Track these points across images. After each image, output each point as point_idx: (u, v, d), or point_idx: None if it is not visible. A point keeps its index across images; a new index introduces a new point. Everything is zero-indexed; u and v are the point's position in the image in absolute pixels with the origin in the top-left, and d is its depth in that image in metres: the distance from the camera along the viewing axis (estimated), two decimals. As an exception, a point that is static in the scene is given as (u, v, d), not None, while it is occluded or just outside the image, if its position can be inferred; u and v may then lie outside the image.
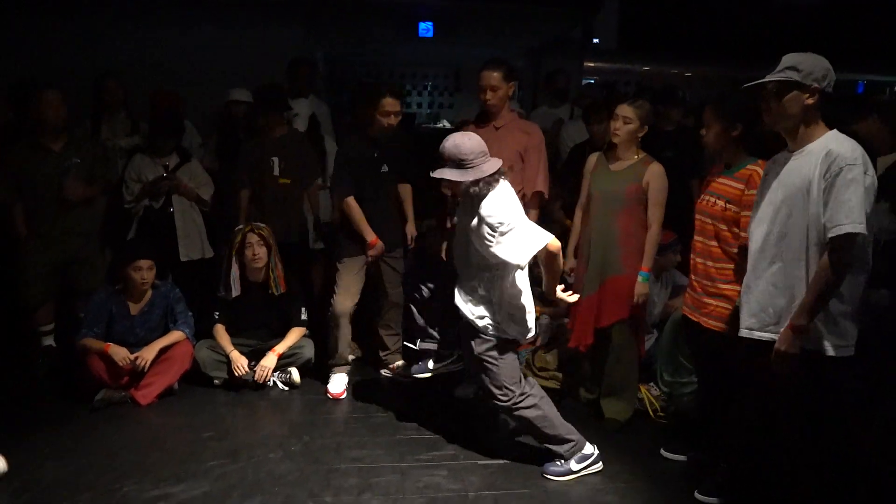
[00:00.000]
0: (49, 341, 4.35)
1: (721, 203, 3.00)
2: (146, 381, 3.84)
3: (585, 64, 7.45)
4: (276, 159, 4.36)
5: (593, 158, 3.69)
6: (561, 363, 4.17)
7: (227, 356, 4.01)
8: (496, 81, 3.70)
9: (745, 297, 2.69)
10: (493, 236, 2.90)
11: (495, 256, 2.93)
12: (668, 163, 3.57)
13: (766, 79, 2.51)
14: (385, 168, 3.97)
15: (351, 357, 4.26)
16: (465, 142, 2.99)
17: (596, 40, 7.73)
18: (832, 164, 2.39)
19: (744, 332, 2.67)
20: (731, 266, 2.98)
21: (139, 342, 3.92)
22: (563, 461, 3.22)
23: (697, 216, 3.13)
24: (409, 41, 7.28)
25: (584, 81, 7.48)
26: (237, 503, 2.94)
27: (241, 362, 3.98)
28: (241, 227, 4.12)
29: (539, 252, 2.95)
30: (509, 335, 3.11)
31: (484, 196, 2.94)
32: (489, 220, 2.90)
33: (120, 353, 3.77)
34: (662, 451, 3.42)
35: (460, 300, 3.19)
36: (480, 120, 3.86)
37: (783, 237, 2.53)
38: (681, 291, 3.84)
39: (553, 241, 2.94)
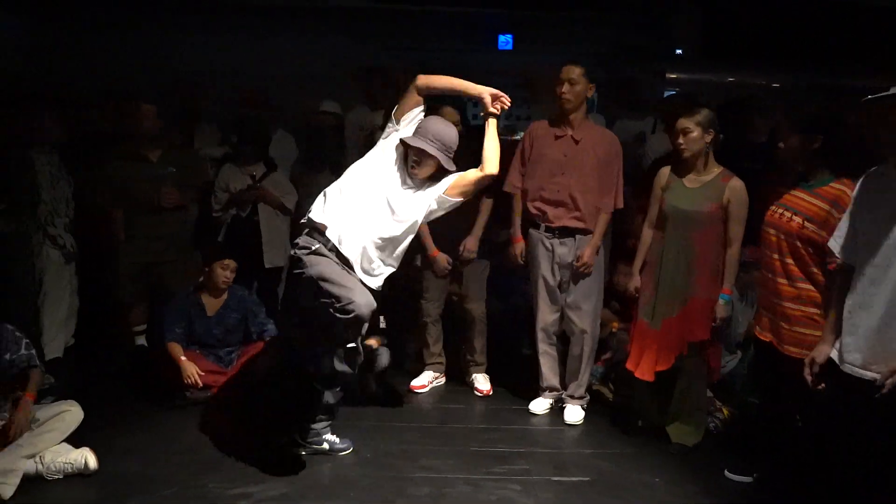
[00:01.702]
0: (141, 341, 4.56)
1: (798, 220, 2.85)
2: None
3: (667, 75, 7.29)
4: None
5: (665, 173, 3.56)
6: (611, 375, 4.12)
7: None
8: (576, 75, 3.66)
9: (847, 327, 2.40)
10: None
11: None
12: (755, 175, 3.45)
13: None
14: None
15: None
16: (455, 133, 3.20)
17: (679, 51, 7.56)
18: None
19: (846, 368, 2.40)
20: (812, 288, 2.83)
21: (217, 343, 4.07)
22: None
23: (769, 229, 2.97)
24: (486, 52, 7.30)
25: (666, 93, 7.31)
26: (312, 505, 3.01)
27: None
28: None
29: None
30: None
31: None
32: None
33: (189, 370, 3.89)
34: (727, 473, 3.30)
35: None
36: (556, 126, 3.79)
37: None
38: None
39: None
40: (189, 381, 3.86)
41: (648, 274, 3.58)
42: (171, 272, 4.43)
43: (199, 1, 6.26)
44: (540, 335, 3.95)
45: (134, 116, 4.23)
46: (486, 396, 4.21)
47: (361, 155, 3.31)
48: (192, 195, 4.52)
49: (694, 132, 3.33)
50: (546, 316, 3.91)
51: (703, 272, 3.41)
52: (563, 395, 3.98)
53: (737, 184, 3.35)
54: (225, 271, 4.04)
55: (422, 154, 3.11)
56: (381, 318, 4.29)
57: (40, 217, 4.06)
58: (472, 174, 3.20)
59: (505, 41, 7.00)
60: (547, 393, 4.00)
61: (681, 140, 3.36)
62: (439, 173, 3.21)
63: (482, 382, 4.27)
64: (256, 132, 4.65)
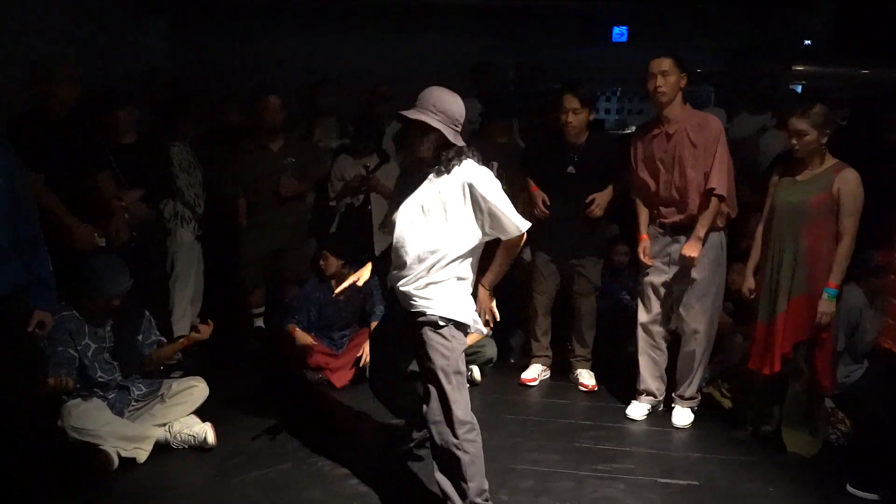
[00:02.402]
0: (259, 323, 4.81)
1: None
2: (339, 364, 4.13)
3: (794, 67, 6.92)
4: (495, 163, 4.54)
5: (779, 170, 3.43)
6: (725, 379, 3.96)
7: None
8: (667, 66, 3.51)
9: None
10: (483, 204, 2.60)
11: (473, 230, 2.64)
12: (893, 177, 3.23)
13: None
14: (571, 170, 3.95)
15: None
16: (460, 101, 2.65)
17: (807, 42, 7.15)
18: None
19: None
20: None
21: (337, 323, 4.25)
22: None
23: None
24: (600, 46, 7.18)
25: (793, 86, 6.94)
26: (419, 491, 3.08)
27: None
28: None
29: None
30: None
31: (452, 167, 2.61)
32: (480, 187, 2.58)
33: (304, 340, 4.14)
34: (849, 488, 3.12)
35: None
36: (651, 126, 3.68)
37: None
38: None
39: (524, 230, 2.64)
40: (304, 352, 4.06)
41: (760, 273, 3.46)
42: (292, 259, 4.65)
43: (320, 4, 6.52)
44: (641, 334, 3.85)
45: (260, 109, 4.46)
46: (591, 392, 4.17)
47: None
48: (310, 185, 4.72)
49: (809, 134, 3.17)
50: (649, 314, 3.81)
51: (813, 268, 3.25)
52: (666, 398, 3.88)
53: (849, 174, 3.17)
54: (326, 262, 4.19)
55: (423, 128, 2.59)
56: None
57: (176, 204, 4.40)
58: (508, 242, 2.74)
59: (619, 33, 6.86)
60: (644, 397, 3.89)
61: (795, 142, 3.21)
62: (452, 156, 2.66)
63: (587, 378, 4.23)
64: (372, 125, 4.80)
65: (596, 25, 6.82)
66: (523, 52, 7.14)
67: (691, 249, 3.56)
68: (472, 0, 6.46)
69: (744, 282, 3.56)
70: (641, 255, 3.80)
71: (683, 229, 3.64)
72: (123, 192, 3.89)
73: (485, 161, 2.74)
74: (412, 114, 2.60)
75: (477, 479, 2.68)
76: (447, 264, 2.65)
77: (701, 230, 3.55)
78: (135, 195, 3.95)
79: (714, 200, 3.52)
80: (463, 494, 2.66)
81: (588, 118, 3.91)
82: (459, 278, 2.69)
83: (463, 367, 2.71)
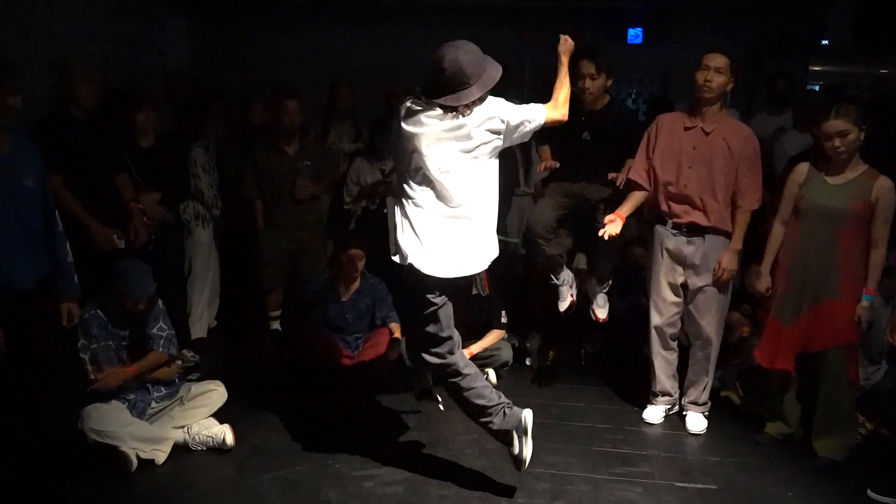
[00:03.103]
0: (276, 325, 4.83)
1: None
2: (355, 365, 4.14)
3: (811, 67, 6.84)
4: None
5: (803, 169, 3.38)
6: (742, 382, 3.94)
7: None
8: (722, 64, 3.42)
9: None
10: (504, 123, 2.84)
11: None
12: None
13: None
14: (586, 136, 3.83)
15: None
16: (472, 48, 2.78)
17: (825, 41, 7.07)
18: None
19: None
20: None
21: (349, 328, 4.24)
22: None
23: None
24: (615, 46, 7.14)
25: (810, 86, 6.87)
26: (435, 491, 3.09)
27: None
28: None
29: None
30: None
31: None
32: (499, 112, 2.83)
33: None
34: (870, 492, 3.10)
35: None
36: (688, 117, 3.58)
37: None
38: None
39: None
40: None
41: (781, 272, 3.43)
42: (311, 260, 4.67)
43: (337, 4, 6.54)
44: (654, 336, 3.80)
45: (277, 111, 4.48)
46: (606, 394, 4.13)
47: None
48: (326, 187, 4.74)
49: (851, 133, 3.15)
50: (662, 317, 3.76)
51: (846, 273, 3.24)
52: (682, 403, 3.85)
53: (886, 183, 3.19)
54: (352, 260, 4.21)
55: (470, 103, 2.77)
56: (503, 312, 4.32)
57: (196, 205, 4.43)
58: (539, 111, 2.93)
59: (635, 35, 6.82)
60: (660, 398, 3.86)
61: (837, 143, 3.17)
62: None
63: (601, 304, 4.14)
64: (388, 128, 4.80)
65: (611, 27, 6.78)
66: (538, 51, 7.13)
67: (731, 262, 3.53)
68: (491, 1, 6.46)
69: (760, 280, 3.52)
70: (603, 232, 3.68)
71: (700, 231, 3.58)
72: (142, 194, 3.94)
73: None
74: (463, 98, 2.74)
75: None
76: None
77: (739, 242, 3.54)
78: (153, 197, 3.99)
79: (748, 214, 3.52)
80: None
81: (605, 84, 3.78)
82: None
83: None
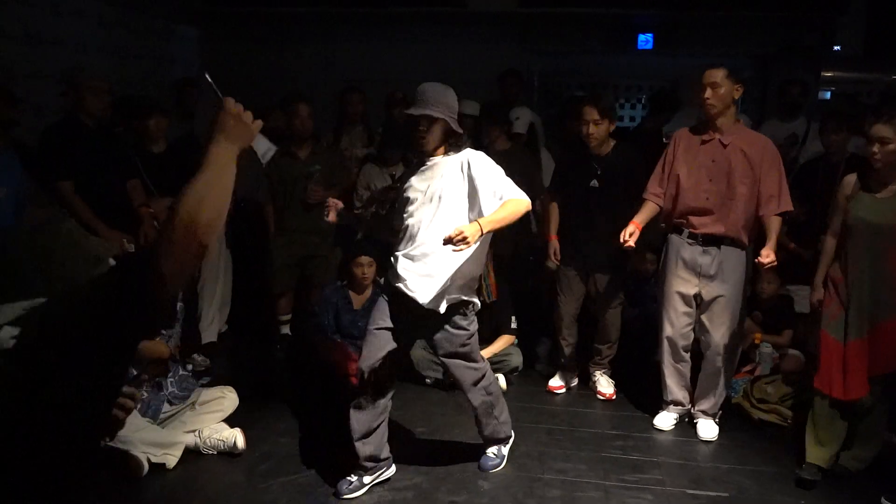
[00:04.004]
0: (286, 330, 4.85)
1: None
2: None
3: (823, 73, 6.81)
4: None
5: (850, 182, 3.26)
6: (784, 397, 3.86)
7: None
8: (718, 78, 3.43)
9: None
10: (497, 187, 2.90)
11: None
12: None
13: None
14: (595, 183, 3.92)
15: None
16: (452, 92, 2.96)
17: (837, 47, 7.05)
18: None
19: None
20: None
21: (361, 335, 4.23)
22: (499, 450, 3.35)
23: None
24: (625, 54, 7.14)
25: (822, 93, 6.84)
26: (445, 496, 3.09)
27: None
28: None
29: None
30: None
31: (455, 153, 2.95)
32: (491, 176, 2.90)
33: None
34: (884, 501, 3.06)
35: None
36: (702, 132, 3.59)
37: None
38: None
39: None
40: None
41: (833, 288, 3.29)
42: (322, 265, 4.68)
43: (348, 13, 6.58)
44: (666, 347, 3.77)
45: (290, 116, 4.50)
46: (618, 402, 4.13)
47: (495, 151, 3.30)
48: (337, 192, 4.74)
49: (892, 144, 3.03)
50: (674, 327, 3.72)
51: (893, 293, 3.11)
52: (692, 411, 3.82)
53: None
54: (361, 268, 4.21)
55: (429, 121, 2.88)
56: (513, 318, 4.31)
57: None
58: (511, 204, 2.90)
59: (645, 41, 6.81)
60: (672, 407, 3.83)
61: (876, 150, 3.07)
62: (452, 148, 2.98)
63: (605, 386, 4.19)
64: (399, 134, 4.82)
65: (621, 33, 6.78)
66: (546, 60, 7.15)
67: (770, 257, 3.35)
68: (499, 7, 6.47)
69: (813, 293, 3.45)
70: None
71: (716, 242, 3.56)
72: (152, 199, 3.96)
73: None
74: (416, 110, 2.88)
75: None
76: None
77: (775, 242, 3.42)
78: (164, 203, 4.01)
79: (779, 218, 3.48)
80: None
81: (609, 129, 3.85)
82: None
83: None
